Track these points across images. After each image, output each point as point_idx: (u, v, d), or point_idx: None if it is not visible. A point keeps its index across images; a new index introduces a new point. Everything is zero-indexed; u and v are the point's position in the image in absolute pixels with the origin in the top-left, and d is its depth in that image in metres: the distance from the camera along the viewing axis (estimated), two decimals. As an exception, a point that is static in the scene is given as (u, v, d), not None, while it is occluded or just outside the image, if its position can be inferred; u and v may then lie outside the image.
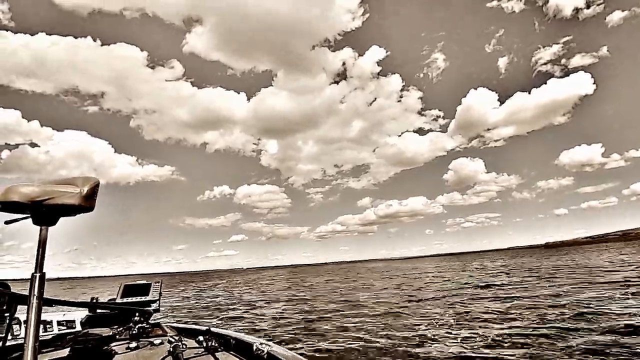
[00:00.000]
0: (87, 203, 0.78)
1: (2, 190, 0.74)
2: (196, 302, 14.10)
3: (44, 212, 0.77)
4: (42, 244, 0.77)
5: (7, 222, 0.80)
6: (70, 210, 0.78)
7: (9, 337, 1.29)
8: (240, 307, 11.45)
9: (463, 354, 4.73)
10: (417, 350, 5.04)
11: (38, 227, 0.78)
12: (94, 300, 2.06)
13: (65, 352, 1.57)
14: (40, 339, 0.76)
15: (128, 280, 2.72)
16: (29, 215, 0.77)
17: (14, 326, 1.94)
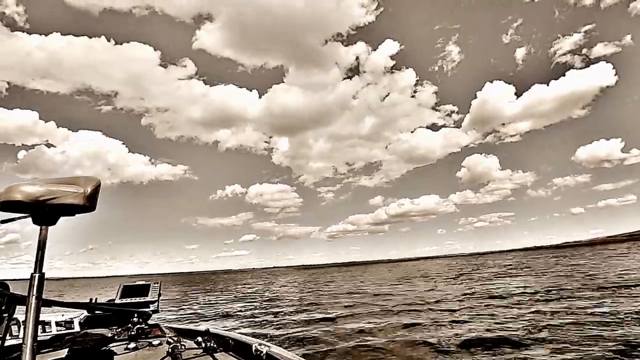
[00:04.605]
0: (89, 203, 0.78)
1: (4, 190, 0.72)
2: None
3: (45, 212, 0.76)
4: (41, 244, 0.77)
5: (2, 222, 0.79)
6: (71, 210, 0.77)
7: (8, 337, 1.29)
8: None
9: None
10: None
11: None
12: (93, 301, 2.07)
13: (63, 352, 1.57)
14: (38, 339, 0.76)
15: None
16: (28, 214, 0.76)
17: (13, 326, 1.96)
